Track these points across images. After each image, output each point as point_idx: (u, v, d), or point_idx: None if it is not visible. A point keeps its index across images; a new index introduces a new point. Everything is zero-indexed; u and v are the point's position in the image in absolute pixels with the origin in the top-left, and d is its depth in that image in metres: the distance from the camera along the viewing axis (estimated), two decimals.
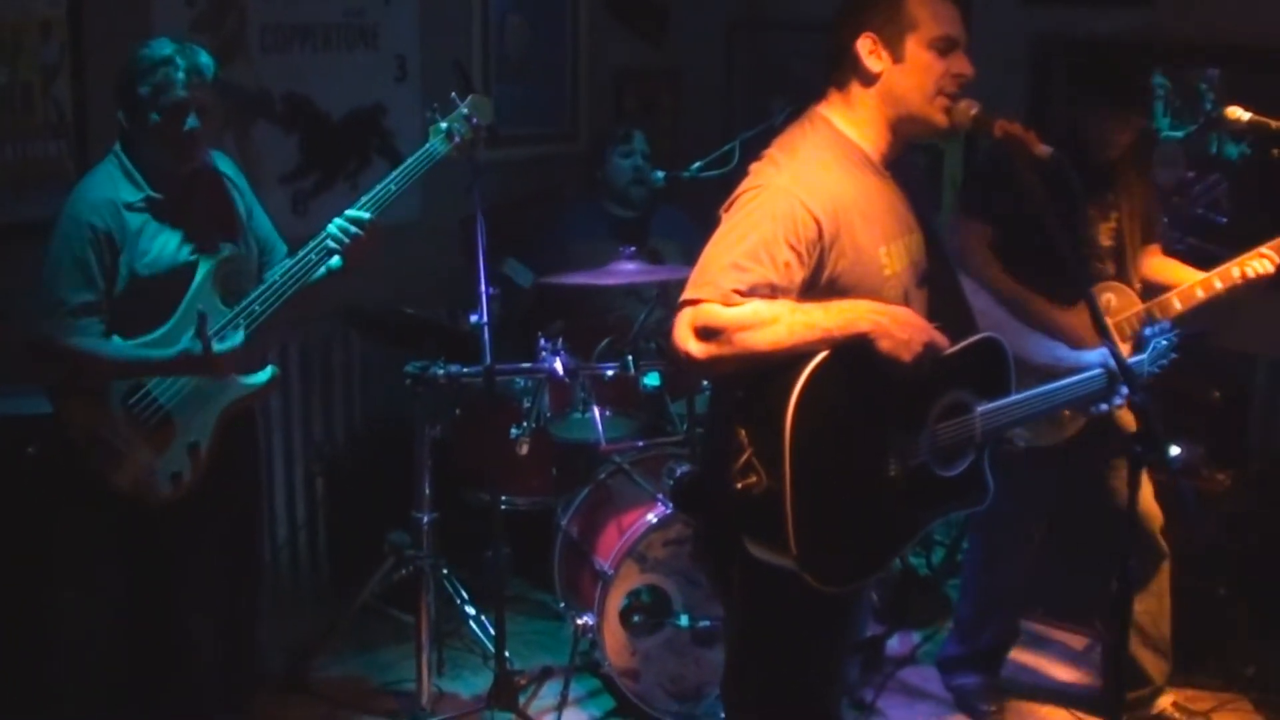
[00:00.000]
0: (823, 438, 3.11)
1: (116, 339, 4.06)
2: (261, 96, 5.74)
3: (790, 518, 3.08)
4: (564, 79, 6.98)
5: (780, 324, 3.09)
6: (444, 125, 4.44)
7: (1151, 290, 4.81)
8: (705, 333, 3.10)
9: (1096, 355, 4.09)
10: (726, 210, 3.26)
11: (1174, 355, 4.54)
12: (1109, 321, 4.63)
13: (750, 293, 3.10)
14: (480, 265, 4.86)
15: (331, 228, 4.21)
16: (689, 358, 3.13)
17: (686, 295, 3.15)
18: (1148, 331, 4.52)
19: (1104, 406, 3.90)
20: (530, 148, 6.68)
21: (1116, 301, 4.72)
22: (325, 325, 5.86)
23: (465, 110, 4.48)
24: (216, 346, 4.06)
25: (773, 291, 3.12)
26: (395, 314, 5.29)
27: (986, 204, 4.68)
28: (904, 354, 3.15)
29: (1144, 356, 4.48)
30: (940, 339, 3.24)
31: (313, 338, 5.97)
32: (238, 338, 4.13)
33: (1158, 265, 4.96)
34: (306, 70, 5.87)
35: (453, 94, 4.55)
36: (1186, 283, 4.74)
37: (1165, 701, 5.09)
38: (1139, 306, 4.73)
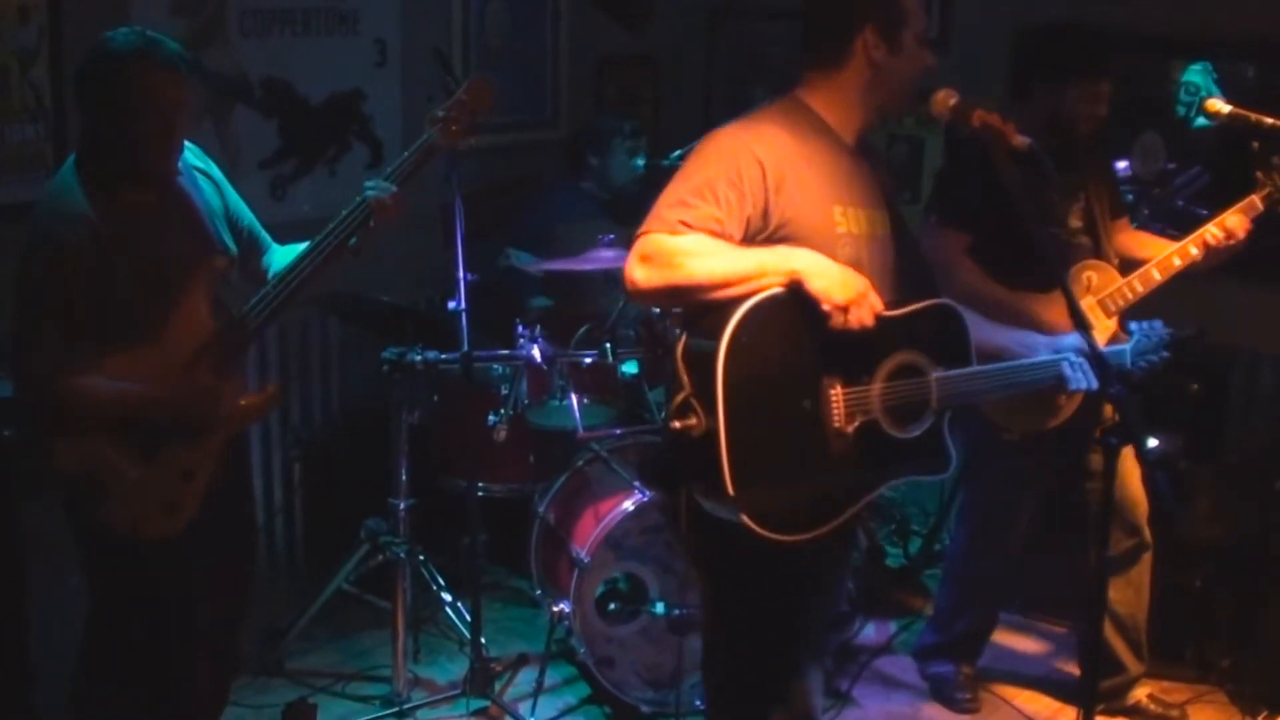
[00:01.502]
0: (760, 379, 3.18)
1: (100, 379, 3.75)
2: (241, 81, 5.71)
3: (725, 456, 3.13)
4: (544, 66, 6.96)
5: (719, 256, 3.20)
6: (441, 114, 4.24)
7: (1127, 265, 4.81)
8: (649, 260, 3.23)
9: (1072, 339, 4.07)
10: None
11: (1165, 354, 4.47)
12: (1093, 299, 4.65)
13: (697, 226, 3.21)
14: (458, 251, 4.86)
15: (368, 191, 4.03)
16: (634, 285, 3.26)
17: (638, 231, 3.28)
18: (1133, 326, 4.49)
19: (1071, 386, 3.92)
20: (510, 135, 6.66)
21: (1098, 279, 4.71)
22: (303, 311, 5.83)
23: (465, 97, 4.26)
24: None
25: (720, 228, 3.22)
26: (372, 301, 5.28)
27: (961, 209, 4.66)
28: (836, 293, 3.19)
29: (1126, 348, 4.43)
30: (877, 299, 3.28)
31: (290, 323, 5.95)
32: None
33: (1130, 240, 4.97)
34: (286, 55, 5.85)
35: (450, 79, 4.49)
36: (1161, 253, 4.75)
37: (1141, 693, 5.11)
38: (1119, 281, 4.73)
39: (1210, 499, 5.43)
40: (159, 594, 3.95)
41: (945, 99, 3.37)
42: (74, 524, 3.92)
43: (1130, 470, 4.74)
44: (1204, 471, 5.47)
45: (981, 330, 3.64)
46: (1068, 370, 3.80)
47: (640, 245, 3.26)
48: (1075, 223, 4.79)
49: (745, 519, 3.17)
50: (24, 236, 3.74)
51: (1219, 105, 4.85)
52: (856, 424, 3.31)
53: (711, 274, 3.18)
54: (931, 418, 3.46)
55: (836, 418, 3.28)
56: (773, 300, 3.20)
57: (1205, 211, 5.46)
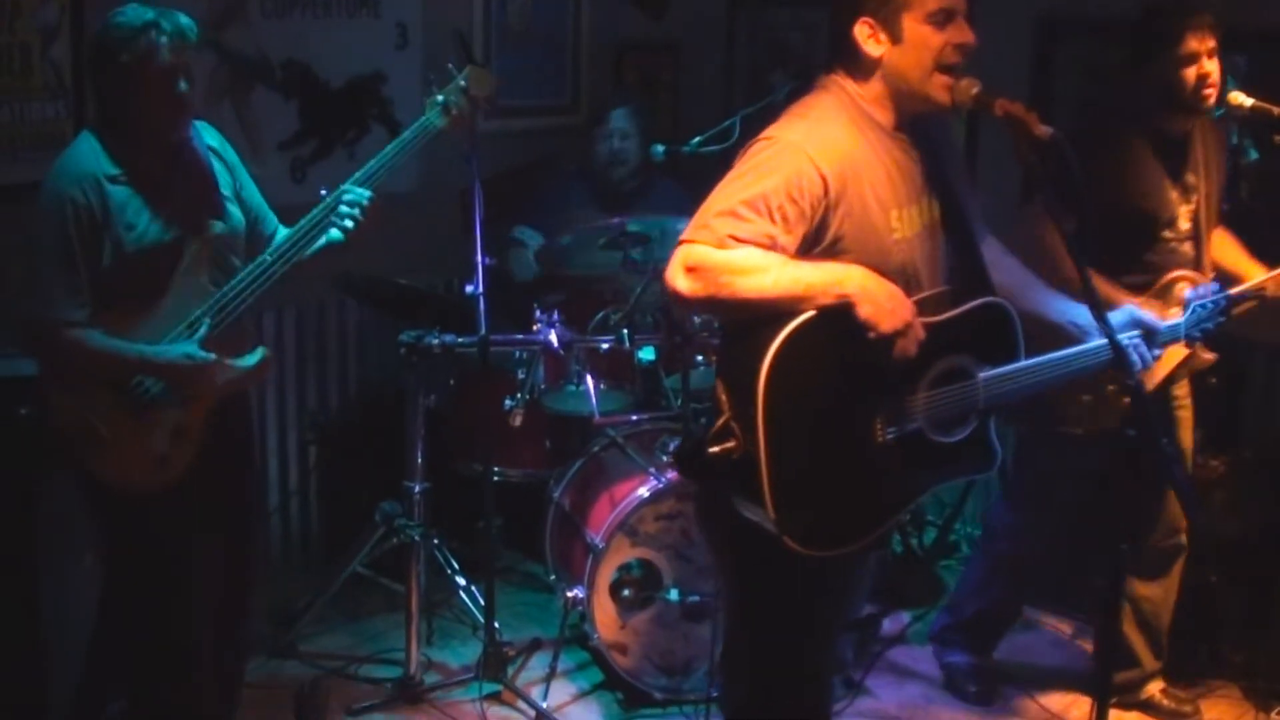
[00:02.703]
0: (801, 401, 3.14)
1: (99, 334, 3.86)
2: (261, 62, 5.71)
3: (766, 482, 3.10)
4: (565, 51, 6.96)
5: (768, 274, 3.12)
6: (440, 98, 4.29)
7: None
8: (695, 271, 3.15)
9: (1120, 315, 3.94)
10: (740, 156, 3.29)
11: (1221, 319, 4.32)
12: (1180, 312, 4.59)
13: (747, 242, 3.13)
14: (477, 235, 4.86)
15: (346, 196, 4.07)
16: (676, 293, 3.19)
17: (684, 236, 3.20)
18: (1189, 294, 4.35)
19: (1139, 364, 3.81)
20: (530, 119, 6.65)
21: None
22: (320, 292, 5.84)
23: (463, 83, 4.32)
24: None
25: (771, 243, 3.14)
26: (390, 283, 5.28)
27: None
28: (884, 322, 3.15)
29: (1181, 321, 4.24)
30: (920, 327, 3.22)
31: (307, 304, 5.96)
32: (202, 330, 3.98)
33: (1218, 244, 4.84)
34: (307, 37, 5.84)
35: (449, 65, 4.48)
36: (1249, 271, 4.66)
37: (1154, 688, 5.09)
38: None
39: (1226, 492, 5.40)
40: (156, 553, 4.03)
41: (967, 88, 3.33)
42: (75, 479, 4.03)
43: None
44: (1220, 465, 5.45)
45: (1031, 293, 3.59)
46: (1133, 355, 3.71)
47: (685, 254, 3.16)
48: (1185, 224, 4.67)
49: (788, 540, 3.15)
50: (42, 188, 3.88)
51: (1241, 99, 4.79)
52: (900, 435, 3.28)
53: (760, 292, 3.11)
54: (976, 419, 3.43)
55: (879, 432, 3.25)
56: (814, 321, 3.13)
57: (1227, 205, 5.43)
